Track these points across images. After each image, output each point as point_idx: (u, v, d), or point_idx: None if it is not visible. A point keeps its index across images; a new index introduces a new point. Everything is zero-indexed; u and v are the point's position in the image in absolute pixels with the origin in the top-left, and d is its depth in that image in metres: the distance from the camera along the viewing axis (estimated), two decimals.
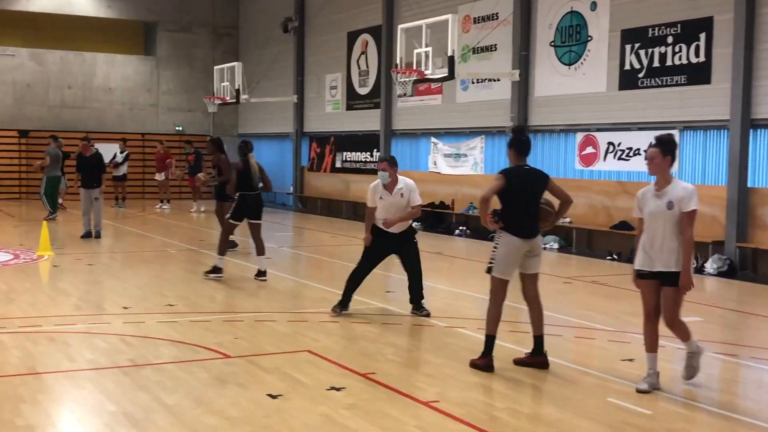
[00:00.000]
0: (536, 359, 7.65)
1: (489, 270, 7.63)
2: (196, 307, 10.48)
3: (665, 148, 6.93)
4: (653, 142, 7.05)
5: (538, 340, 7.68)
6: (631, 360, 7.98)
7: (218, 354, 7.96)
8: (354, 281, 10.04)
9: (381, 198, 9.80)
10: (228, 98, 26.06)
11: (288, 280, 12.97)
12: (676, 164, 15.63)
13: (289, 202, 30.11)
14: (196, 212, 25.04)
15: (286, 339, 8.70)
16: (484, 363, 7.51)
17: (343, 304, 10.01)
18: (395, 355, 8.09)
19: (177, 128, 32.10)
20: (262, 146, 31.71)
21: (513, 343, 8.32)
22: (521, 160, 7.64)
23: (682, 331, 7.17)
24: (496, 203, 7.58)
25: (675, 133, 15.86)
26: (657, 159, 6.93)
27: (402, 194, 9.79)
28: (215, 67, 27.38)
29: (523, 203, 7.48)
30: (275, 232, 20.88)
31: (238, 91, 25.60)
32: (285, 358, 7.83)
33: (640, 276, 7.08)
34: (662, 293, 6.97)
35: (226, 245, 12.64)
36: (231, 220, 12.62)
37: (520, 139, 7.67)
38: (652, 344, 7.02)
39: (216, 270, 12.54)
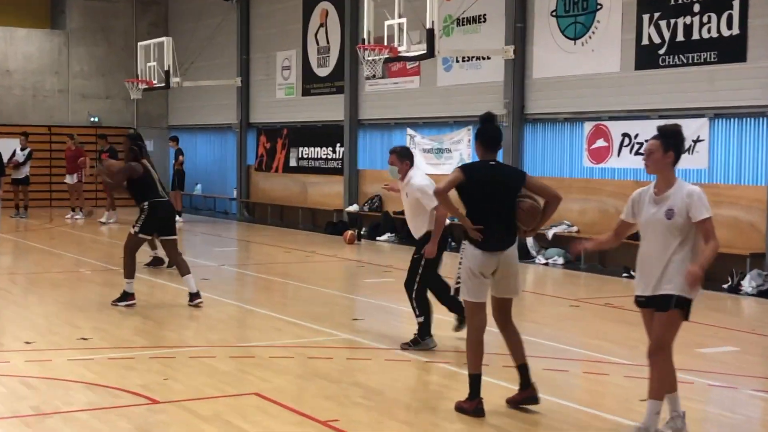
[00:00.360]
0: (524, 394, 7.69)
1: (457, 292, 7.75)
2: (116, 340, 10.39)
3: (667, 141, 6.85)
4: (656, 133, 7.00)
5: (523, 369, 7.72)
6: None
7: (144, 399, 7.89)
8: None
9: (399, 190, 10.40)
10: (155, 82, 25.96)
11: (230, 306, 12.92)
12: (705, 159, 15.97)
13: (232, 210, 30.04)
14: (107, 223, 24.89)
15: (229, 379, 8.65)
16: (471, 407, 7.52)
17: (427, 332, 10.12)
18: (363, 398, 8.07)
19: (92, 119, 31.93)
20: (198, 141, 31.64)
21: (507, 381, 8.34)
22: (488, 154, 7.73)
23: (663, 373, 6.84)
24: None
25: (704, 122, 16.05)
26: (656, 154, 6.87)
27: (407, 194, 10.05)
28: (139, 44, 27.28)
29: (487, 207, 7.52)
30: (214, 246, 20.84)
31: (167, 73, 25.51)
32: (227, 403, 7.77)
33: (638, 304, 6.97)
34: (654, 317, 6.84)
35: (133, 264, 12.52)
36: (140, 235, 12.53)
37: (485, 130, 7.76)
38: (671, 383, 7.01)
39: (125, 296, 12.45)
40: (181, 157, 26.94)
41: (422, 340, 10.03)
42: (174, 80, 25.65)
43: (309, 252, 19.46)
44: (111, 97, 32.17)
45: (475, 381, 7.56)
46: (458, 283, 7.67)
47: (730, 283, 14.87)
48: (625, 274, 16.16)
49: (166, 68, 25.47)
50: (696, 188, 6.85)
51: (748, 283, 14.63)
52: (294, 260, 18.42)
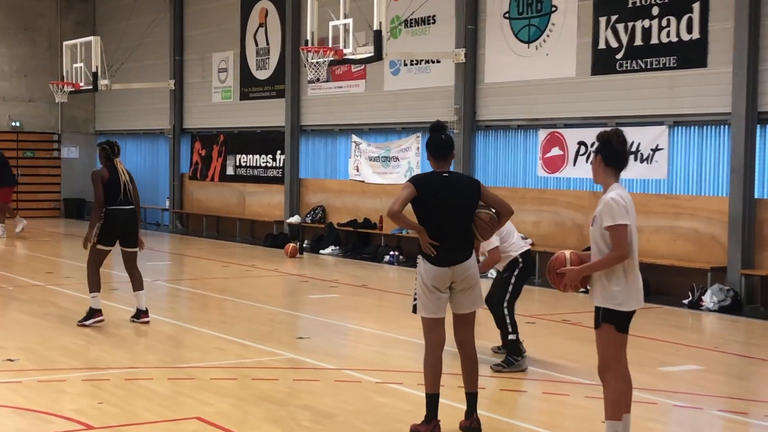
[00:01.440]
0: (465, 424, 7.75)
1: (414, 309, 7.76)
2: (46, 362, 10.28)
3: (597, 147, 7.03)
4: None
5: (471, 399, 7.78)
6: None
7: (78, 425, 7.82)
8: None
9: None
10: (82, 84, 25.74)
11: (166, 324, 12.84)
12: (664, 169, 16.19)
13: (164, 221, 29.84)
14: (19, 232, 24.67)
15: (168, 403, 8.60)
16: (428, 430, 7.55)
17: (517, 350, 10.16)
18: (312, 422, 8.07)
19: (13, 123, 31.54)
20: (128, 147, 31.34)
21: (464, 402, 8.37)
22: (440, 165, 7.80)
23: (613, 394, 6.91)
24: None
25: (664, 129, 16.29)
26: (592, 161, 7.07)
27: None
28: (64, 43, 27.02)
29: (442, 220, 7.58)
30: (146, 260, 20.59)
31: (95, 74, 25.30)
32: (167, 428, 7.72)
33: None
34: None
35: (95, 277, 12.39)
36: (99, 246, 12.39)
37: (434, 140, 7.83)
38: (626, 403, 7.07)
39: (91, 314, 12.31)
40: None
41: (516, 360, 10.07)
42: (102, 82, 25.46)
43: (248, 266, 19.40)
44: (34, 100, 31.81)
45: (432, 402, 7.60)
46: (415, 300, 7.70)
47: (690, 298, 15.08)
48: (582, 290, 16.29)
49: (93, 70, 25.25)
50: (611, 195, 6.83)
51: (709, 299, 14.83)
52: (232, 275, 18.35)
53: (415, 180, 7.70)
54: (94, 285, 12.36)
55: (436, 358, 7.64)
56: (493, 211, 7.78)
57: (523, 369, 10.05)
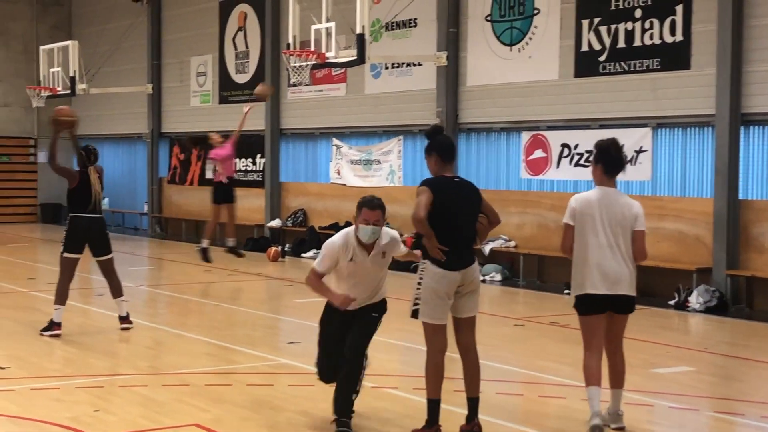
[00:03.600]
0: (467, 427, 7.72)
1: (415, 314, 7.67)
2: (37, 369, 10.21)
3: (595, 155, 8.08)
4: None
5: (473, 403, 7.77)
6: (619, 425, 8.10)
7: None
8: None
9: (351, 260, 7.87)
10: (59, 89, 25.57)
11: (155, 330, 12.78)
12: (648, 171, 16.25)
13: (143, 225, 29.69)
14: None
15: (164, 410, 8.55)
16: None
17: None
18: (312, 428, 8.04)
19: None
20: (106, 151, 31.09)
21: (464, 407, 8.35)
22: (447, 169, 7.76)
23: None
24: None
25: (647, 131, 16.36)
26: (592, 167, 8.13)
27: (384, 253, 8.00)
28: (41, 48, 26.82)
29: (453, 226, 7.57)
30: (127, 265, 20.50)
31: (73, 79, 25.16)
32: None
33: None
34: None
35: (63, 289, 12.14)
36: (65, 254, 12.15)
37: (441, 141, 7.79)
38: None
39: (50, 326, 12.05)
40: None
41: None
42: (80, 87, 25.32)
43: (231, 270, 19.31)
44: (9, 104, 31.60)
45: (433, 407, 7.58)
46: (416, 304, 7.64)
47: (676, 299, 15.14)
48: (566, 291, 16.34)
49: (71, 74, 25.10)
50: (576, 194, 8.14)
51: (695, 299, 14.90)
52: (216, 279, 18.26)
53: (429, 184, 7.60)
54: (59, 296, 12.09)
55: (439, 364, 7.61)
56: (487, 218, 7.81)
57: None
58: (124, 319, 12.44)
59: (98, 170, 12.42)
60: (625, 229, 7.81)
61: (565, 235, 7.99)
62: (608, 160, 7.94)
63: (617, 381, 8.00)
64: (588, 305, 7.84)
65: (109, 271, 12.48)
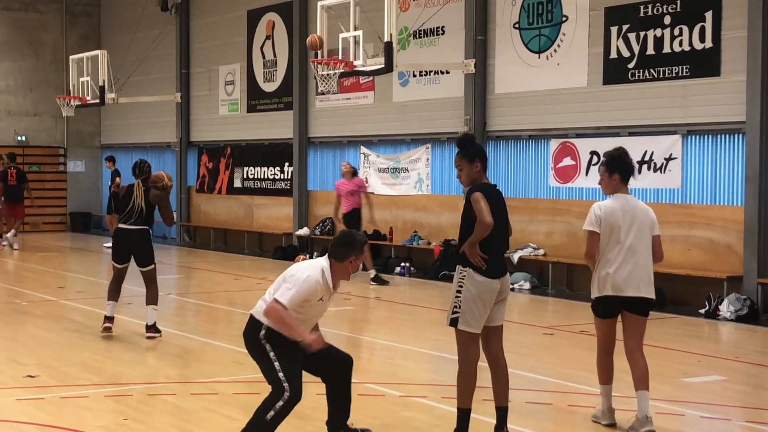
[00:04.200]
0: None
1: (454, 322, 7.65)
2: (67, 378, 10.25)
3: (611, 165, 8.30)
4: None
5: (502, 412, 7.76)
6: None
7: None
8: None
9: (320, 300, 7.42)
10: (89, 98, 25.71)
11: (184, 338, 12.82)
12: (678, 178, 16.16)
13: (172, 234, 29.79)
14: (8, 247, 24.77)
15: (194, 419, 8.57)
16: None
17: None
18: None
19: (19, 138, 31.53)
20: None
21: (492, 416, 8.33)
22: (483, 174, 7.83)
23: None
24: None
25: (677, 138, 16.26)
26: (603, 179, 8.37)
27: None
28: (71, 57, 26.99)
29: (495, 233, 7.58)
30: (157, 274, 20.62)
31: (102, 88, 25.29)
32: None
33: None
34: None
35: (112, 287, 12.85)
36: (112, 262, 12.92)
37: (479, 150, 7.85)
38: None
39: (104, 320, 12.75)
40: (117, 179, 26.64)
41: None
42: (109, 96, 25.44)
43: (259, 279, 19.34)
44: (39, 114, 31.83)
45: (464, 416, 7.57)
46: (455, 312, 7.61)
47: (707, 307, 15.03)
48: None
49: (100, 83, 25.24)
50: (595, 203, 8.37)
51: (726, 308, 14.78)
52: (245, 288, 18.30)
53: (483, 190, 7.63)
54: (109, 293, 12.87)
55: (472, 373, 7.61)
56: None
57: None
58: (151, 328, 12.55)
59: (146, 184, 12.79)
60: (646, 234, 8.22)
61: (591, 242, 8.23)
62: (624, 168, 8.28)
63: (642, 383, 8.13)
64: (606, 307, 8.25)
65: (148, 280, 12.81)
